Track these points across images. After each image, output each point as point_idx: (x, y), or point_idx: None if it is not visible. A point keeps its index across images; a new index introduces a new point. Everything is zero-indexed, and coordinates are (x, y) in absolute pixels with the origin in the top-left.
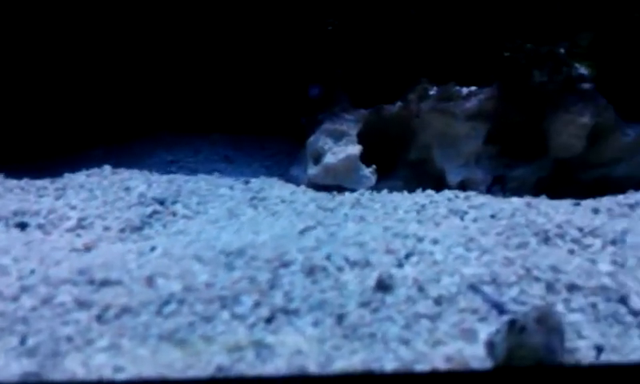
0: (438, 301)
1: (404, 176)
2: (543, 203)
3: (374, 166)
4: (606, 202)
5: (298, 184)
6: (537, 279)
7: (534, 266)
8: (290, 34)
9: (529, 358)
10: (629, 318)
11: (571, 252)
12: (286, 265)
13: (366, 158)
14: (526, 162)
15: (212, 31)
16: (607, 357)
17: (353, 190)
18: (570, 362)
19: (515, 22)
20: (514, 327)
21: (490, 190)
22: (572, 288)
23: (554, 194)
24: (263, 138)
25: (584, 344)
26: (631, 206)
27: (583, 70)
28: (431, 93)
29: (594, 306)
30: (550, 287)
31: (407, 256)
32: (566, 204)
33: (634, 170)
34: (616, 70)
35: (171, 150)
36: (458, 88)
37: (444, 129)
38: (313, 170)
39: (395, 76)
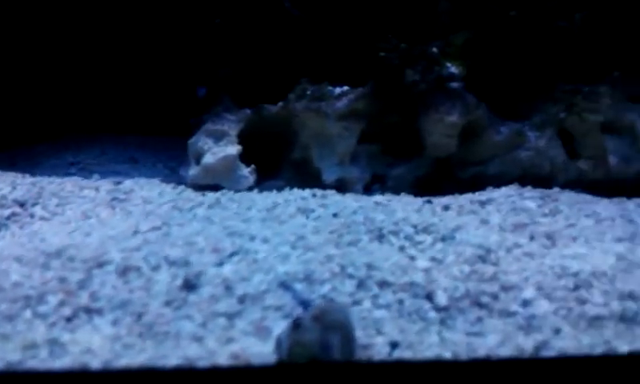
0: (242, 299)
1: (288, 176)
2: (394, 201)
3: (253, 166)
4: (461, 199)
5: (185, 184)
6: (350, 276)
7: (350, 264)
8: (185, 34)
9: (303, 355)
10: (432, 314)
11: (401, 249)
12: (101, 265)
13: (250, 158)
14: (405, 161)
15: (123, 31)
16: (401, 353)
17: (237, 191)
18: (363, 358)
19: (392, 22)
20: (294, 325)
21: (369, 189)
22: (383, 285)
23: (433, 192)
24: (171, 138)
25: (381, 340)
26: (482, 203)
27: (454, 69)
28: (307, 93)
29: (400, 302)
30: (362, 284)
31: (231, 255)
32: (418, 202)
33: (508, 167)
34: (490, 68)
35: (78, 152)
36: (330, 88)
37: (319, 129)
38: (193, 171)
39: (278, 76)
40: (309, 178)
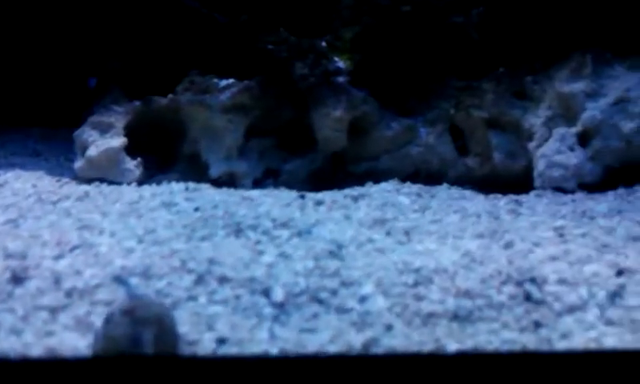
0: (69, 293)
1: (181, 170)
2: (267, 196)
3: (139, 159)
4: (338, 194)
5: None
6: (190, 271)
7: (191, 259)
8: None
9: (113, 349)
10: (267, 310)
11: (257, 243)
12: None
13: (144, 152)
14: (299, 156)
15: (23, 24)
16: (228, 349)
17: (119, 183)
18: (187, 353)
19: (283, 15)
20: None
21: (260, 184)
22: (222, 280)
23: (327, 187)
24: None
25: (210, 336)
26: (355, 198)
27: (341, 64)
28: (194, 85)
29: (237, 298)
30: (201, 279)
31: (73, 249)
32: (292, 197)
33: (400, 162)
34: (382, 64)
35: None
36: (216, 80)
37: (205, 122)
38: (78, 163)
39: (170, 69)
40: (200, 171)
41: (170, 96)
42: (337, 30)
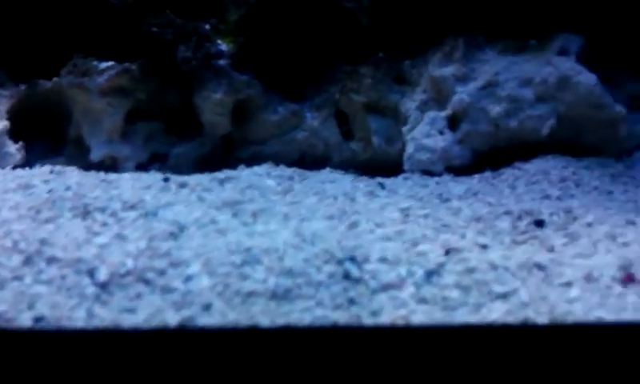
0: None
1: (69, 153)
2: (127, 179)
3: (20, 143)
4: (205, 177)
5: None
6: (20, 251)
7: (23, 239)
8: None
9: None
10: (90, 290)
11: (104, 224)
12: None
13: (34, 135)
14: (188, 140)
15: None
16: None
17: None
18: None
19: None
20: None
21: (145, 167)
22: (51, 260)
23: (213, 170)
24: None
25: (29, 315)
26: (221, 181)
27: (224, 47)
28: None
29: (63, 277)
30: (29, 259)
31: None
32: (156, 179)
33: (286, 147)
34: (271, 48)
35: None
36: (96, 63)
37: (85, 105)
38: None
39: (57, 52)
40: (85, 155)
41: (55, 79)
42: (223, 13)
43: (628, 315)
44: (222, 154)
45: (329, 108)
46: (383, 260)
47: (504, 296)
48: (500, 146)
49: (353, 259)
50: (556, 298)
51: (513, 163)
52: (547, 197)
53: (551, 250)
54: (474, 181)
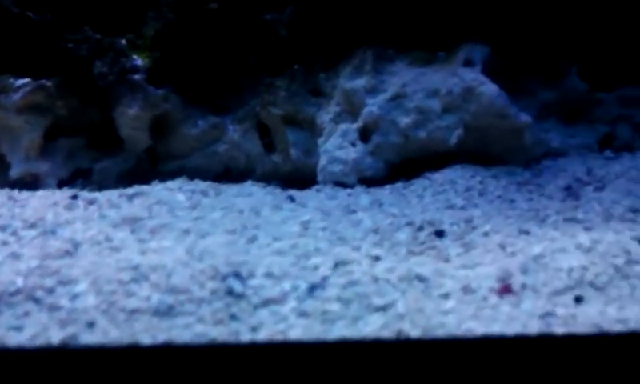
0: None
1: None
2: (36, 197)
3: None
4: (115, 193)
5: None
6: None
7: None
8: None
9: None
10: None
11: (4, 243)
12: None
13: None
14: (111, 155)
15: None
16: None
17: None
18: None
19: (91, 14)
20: None
21: (69, 183)
22: None
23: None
24: None
25: None
26: (130, 197)
27: (139, 62)
28: None
29: None
30: None
31: None
32: (64, 196)
33: (208, 160)
34: (186, 61)
35: None
36: (12, 80)
37: (3, 122)
38: None
39: None
40: (5, 173)
41: None
42: (140, 28)
43: (498, 327)
44: (148, 168)
45: (250, 120)
46: (269, 275)
47: (382, 308)
48: (412, 157)
49: (237, 275)
50: (432, 309)
51: (423, 173)
52: (451, 206)
53: (447, 260)
54: (385, 192)
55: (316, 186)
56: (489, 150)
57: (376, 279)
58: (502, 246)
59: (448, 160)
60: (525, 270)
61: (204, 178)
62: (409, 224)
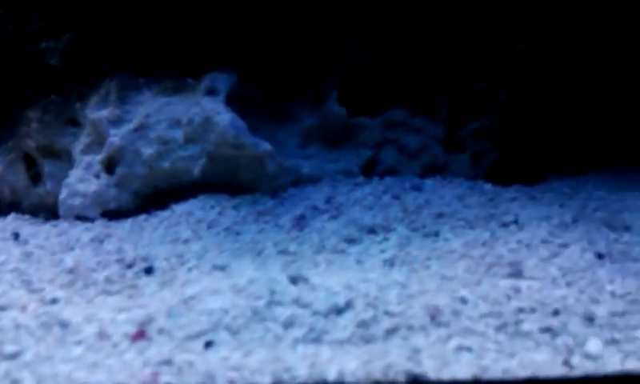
0: None
1: None
2: None
3: None
4: None
5: None
6: None
7: None
8: None
9: None
10: None
11: None
12: None
13: None
14: None
15: None
16: None
17: None
18: None
19: None
20: None
21: None
22: None
23: None
24: None
25: None
26: None
27: None
28: None
29: None
30: None
31: None
32: None
33: None
34: None
35: None
36: None
37: None
38: None
39: None
40: None
41: None
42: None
43: (103, 376)
44: None
45: (16, 151)
46: None
47: (12, 356)
48: (162, 188)
49: None
50: (59, 358)
51: (170, 205)
52: (176, 240)
53: (134, 298)
54: (126, 225)
55: (52, 221)
56: (237, 179)
57: (18, 326)
58: (183, 284)
59: (196, 190)
60: (170, 314)
61: None
62: (119, 261)
